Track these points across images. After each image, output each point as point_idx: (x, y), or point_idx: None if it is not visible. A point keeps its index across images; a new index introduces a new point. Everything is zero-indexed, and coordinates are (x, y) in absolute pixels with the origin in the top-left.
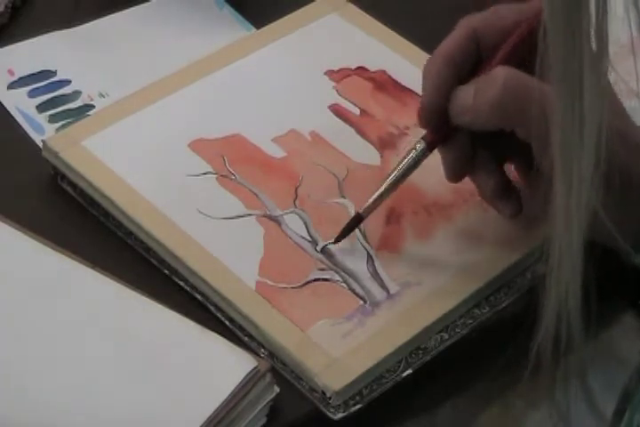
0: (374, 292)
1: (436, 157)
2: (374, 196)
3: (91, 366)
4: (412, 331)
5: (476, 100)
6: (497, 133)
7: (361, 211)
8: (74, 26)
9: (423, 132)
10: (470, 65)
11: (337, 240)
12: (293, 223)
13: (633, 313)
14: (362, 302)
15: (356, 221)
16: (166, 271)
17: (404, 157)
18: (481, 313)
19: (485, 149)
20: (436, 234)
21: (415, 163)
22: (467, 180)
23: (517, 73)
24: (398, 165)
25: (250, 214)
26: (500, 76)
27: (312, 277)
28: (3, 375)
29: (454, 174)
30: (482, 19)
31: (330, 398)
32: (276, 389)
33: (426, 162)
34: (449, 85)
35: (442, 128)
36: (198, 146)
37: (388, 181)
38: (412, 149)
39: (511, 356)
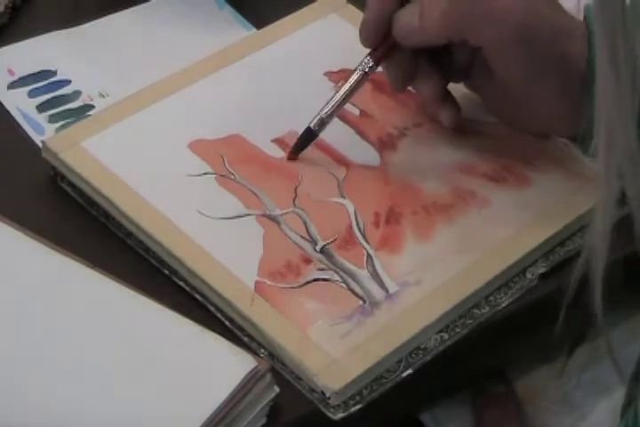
0: (374, 292)
1: (432, 157)
2: (325, 110)
3: (90, 365)
4: (411, 331)
5: (424, 19)
6: (438, 47)
7: (312, 125)
8: (74, 26)
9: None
10: None
11: (289, 157)
12: (293, 223)
13: None
14: (361, 302)
15: (309, 135)
16: (166, 271)
17: (353, 72)
18: (481, 313)
19: (426, 60)
20: (435, 234)
21: (365, 75)
22: (465, 180)
23: None
24: (348, 79)
25: (249, 214)
26: None
27: (311, 277)
28: (2, 375)
29: (398, 84)
30: None
31: (329, 398)
32: (276, 389)
33: (424, 162)
34: (392, 6)
35: (384, 45)
36: (198, 146)
37: (340, 94)
38: (360, 64)
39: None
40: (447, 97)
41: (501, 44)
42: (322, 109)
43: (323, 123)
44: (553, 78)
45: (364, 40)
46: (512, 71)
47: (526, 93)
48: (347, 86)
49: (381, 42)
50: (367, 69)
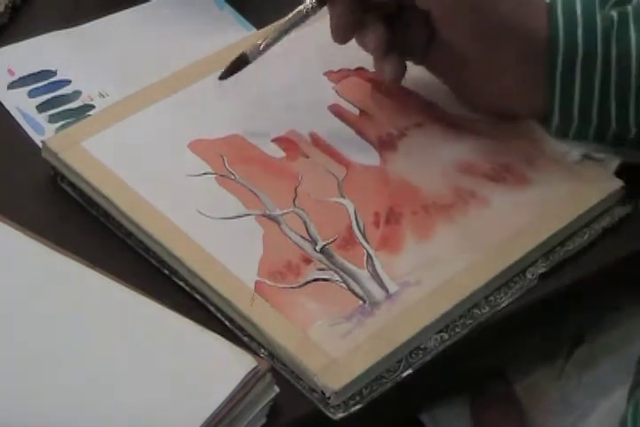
0: (374, 292)
1: (432, 157)
2: (265, 40)
3: (90, 366)
4: (411, 331)
5: None
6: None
7: (247, 52)
8: (74, 26)
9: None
10: None
11: (221, 77)
12: (293, 223)
13: None
14: (361, 302)
15: (242, 60)
16: (166, 271)
17: (296, 9)
18: (481, 313)
19: (372, 10)
20: (435, 234)
21: (305, 15)
22: (465, 180)
23: None
24: (290, 15)
25: (249, 214)
26: None
27: (311, 277)
28: (1, 375)
29: (341, 32)
30: None
31: (329, 398)
32: (276, 389)
33: (424, 162)
34: None
35: None
36: (198, 146)
37: (278, 27)
38: (303, 4)
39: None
40: (391, 51)
41: (442, 6)
42: (259, 41)
43: (257, 53)
44: (509, 49)
45: None
46: (461, 37)
47: (483, 65)
48: (284, 21)
49: None
50: (309, 9)
